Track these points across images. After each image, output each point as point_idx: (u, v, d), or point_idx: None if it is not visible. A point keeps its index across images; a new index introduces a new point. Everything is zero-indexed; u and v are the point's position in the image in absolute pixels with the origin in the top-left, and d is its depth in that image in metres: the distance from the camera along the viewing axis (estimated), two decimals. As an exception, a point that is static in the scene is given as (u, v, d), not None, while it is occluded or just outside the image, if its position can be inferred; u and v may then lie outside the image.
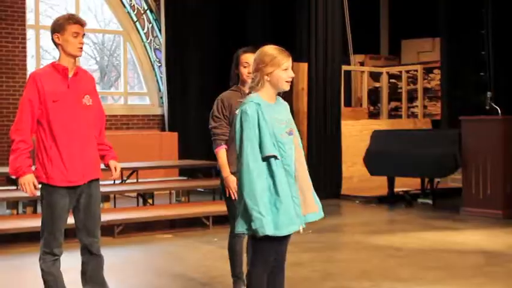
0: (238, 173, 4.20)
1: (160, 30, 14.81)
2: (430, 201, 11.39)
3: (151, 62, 15.17)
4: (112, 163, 5.02)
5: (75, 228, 4.93)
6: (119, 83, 15.98)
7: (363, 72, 14.82)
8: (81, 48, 4.86)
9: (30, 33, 13.81)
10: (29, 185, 4.69)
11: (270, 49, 4.27)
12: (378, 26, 15.95)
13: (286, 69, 4.22)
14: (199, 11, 14.27)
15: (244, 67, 5.33)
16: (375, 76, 15.11)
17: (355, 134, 13.06)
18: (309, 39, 12.28)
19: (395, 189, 11.70)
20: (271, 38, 13.69)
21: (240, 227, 4.13)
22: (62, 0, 15.03)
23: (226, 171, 5.20)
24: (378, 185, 11.92)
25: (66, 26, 4.81)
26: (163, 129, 14.66)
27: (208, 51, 14.41)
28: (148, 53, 15.18)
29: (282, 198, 4.12)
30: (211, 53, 14.39)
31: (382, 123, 13.64)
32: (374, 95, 14.96)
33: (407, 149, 11.06)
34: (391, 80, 15.12)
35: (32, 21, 13.92)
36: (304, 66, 12.72)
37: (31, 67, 13.82)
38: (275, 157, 4.14)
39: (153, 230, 8.93)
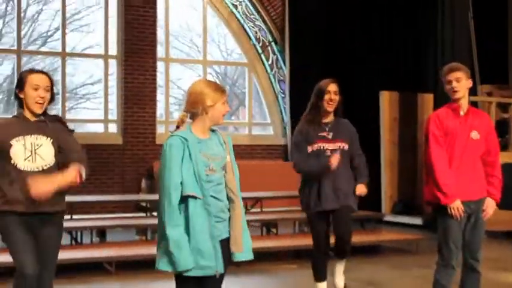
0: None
1: (284, 62, 15.03)
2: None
3: (275, 92, 15.38)
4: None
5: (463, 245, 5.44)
6: (239, 112, 16.24)
7: (490, 102, 14.48)
8: (455, 91, 5.41)
9: (160, 66, 14.30)
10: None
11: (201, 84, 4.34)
12: (506, 55, 15.58)
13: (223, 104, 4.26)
14: (323, 42, 14.38)
15: (35, 89, 4.50)
16: (503, 107, 14.73)
17: (482, 166, 12.75)
18: (435, 70, 12.15)
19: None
20: (395, 69, 13.83)
21: None
22: (188, 33, 15.48)
23: None
24: (506, 219, 11.59)
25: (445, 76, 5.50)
26: (286, 159, 14.79)
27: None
28: (272, 84, 15.40)
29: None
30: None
31: (509, 156, 13.27)
32: (502, 126, 14.56)
33: (538, 183, 10.75)
34: (519, 111, 14.71)
35: (161, 54, 14.42)
36: (429, 97, 12.61)
37: (160, 98, 14.30)
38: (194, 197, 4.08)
39: (278, 260, 8.99)
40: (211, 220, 4.12)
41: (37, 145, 4.44)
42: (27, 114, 4.53)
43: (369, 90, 13.74)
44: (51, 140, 4.49)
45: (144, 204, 11.56)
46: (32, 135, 4.45)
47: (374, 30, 14.41)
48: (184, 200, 4.05)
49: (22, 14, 13.64)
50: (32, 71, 4.61)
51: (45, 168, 4.45)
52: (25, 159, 4.40)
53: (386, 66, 14.00)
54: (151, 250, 8.65)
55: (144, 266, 8.31)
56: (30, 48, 14.27)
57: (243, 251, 4.36)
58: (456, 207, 5.28)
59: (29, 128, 4.47)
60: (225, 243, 4.23)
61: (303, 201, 6.08)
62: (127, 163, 13.66)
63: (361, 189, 5.94)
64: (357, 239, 10.05)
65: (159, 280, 7.48)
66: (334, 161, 5.66)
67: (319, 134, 5.88)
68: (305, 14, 14.48)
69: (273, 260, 8.91)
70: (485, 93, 14.51)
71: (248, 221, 10.36)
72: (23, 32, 13.82)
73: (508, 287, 7.64)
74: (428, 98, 13.01)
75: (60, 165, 4.52)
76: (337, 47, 14.22)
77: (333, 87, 5.90)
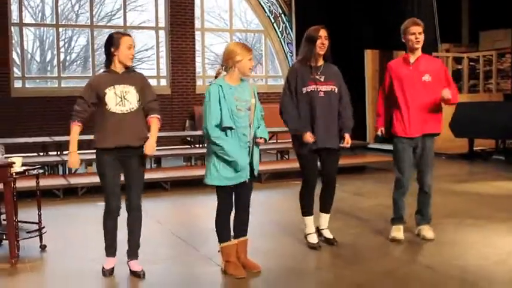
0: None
1: (291, 29, 14.86)
2: (503, 158, 10.97)
3: (284, 52, 15.26)
4: None
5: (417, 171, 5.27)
6: (257, 68, 16.12)
7: (448, 57, 14.30)
8: (418, 41, 5.08)
9: (197, 34, 14.17)
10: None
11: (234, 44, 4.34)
12: (460, 20, 15.29)
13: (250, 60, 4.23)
14: (322, 12, 14.14)
15: (129, 48, 4.30)
16: (458, 60, 14.54)
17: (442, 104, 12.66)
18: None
19: (474, 148, 11.35)
20: (375, 29, 13.60)
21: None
22: (216, 8, 15.28)
23: (72, 146, 4.29)
24: (460, 144, 11.57)
25: (407, 28, 5.13)
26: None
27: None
28: (282, 46, 15.27)
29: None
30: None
31: (464, 97, 13.13)
32: (457, 75, 14.41)
33: (484, 117, 10.69)
34: (470, 63, 14.51)
35: (198, 26, 14.29)
36: (402, 53, 12.42)
37: (198, 59, 14.23)
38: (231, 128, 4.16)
39: (288, 177, 9.02)
40: (242, 146, 4.19)
41: (125, 92, 4.26)
42: (116, 68, 4.31)
43: (357, 49, 13.55)
44: (135, 88, 4.31)
45: (188, 138, 11.63)
46: (121, 85, 4.27)
47: (365, 2, 14.09)
48: (223, 130, 4.16)
49: (92, -2, 13.52)
50: (124, 34, 4.38)
51: (132, 110, 4.28)
52: (116, 104, 4.23)
53: (372, 31, 13.75)
54: (195, 172, 8.82)
55: (190, 183, 8.43)
56: (100, 24, 14.15)
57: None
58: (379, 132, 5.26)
59: (118, 79, 4.28)
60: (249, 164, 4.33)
61: (297, 142, 5.00)
62: (174, 108, 13.68)
63: (348, 140, 4.95)
64: (348, 161, 10.11)
65: (201, 194, 7.60)
66: (310, 138, 4.83)
67: (312, 76, 4.92)
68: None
69: (285, 178, 8.99)
70: (444, 50, 14.32)
71: (266, 150, 10.43)
72: (94, 12, 13.71)
73: (461, 194, 7.66)
74: (401, 54, 12.82)
75: (145, 107, 4.37)
76: (333, 17, 13.96)
77: (323, 32, 4.93)
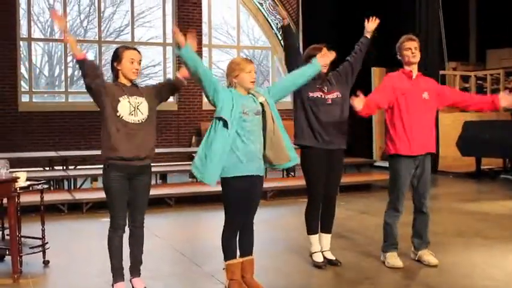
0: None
1: (299, 46, 14.89)
2: (510, 177, 10.89)
3: (291, 69, 15.28)
4: None
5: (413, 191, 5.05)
6: (264, 85, 16.14)
7: (455, 75, 14.27)
8: (414, 56, 5.01)
9: (204, 51, 14.16)
10: None
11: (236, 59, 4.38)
12: (467, 38, 15.27)
13: (249, 72, 4.22)
14: (326, 31, 14.20)
15: (131, 62, 4.22)
16: (465, 78, 14.50)
17: (449, 123, 12.60)
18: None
19: (482, 167, 11.27)
20: (382, 47, 13.60)
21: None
22: (224, 25, 15.35)
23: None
24: (467, 163, 11.49)
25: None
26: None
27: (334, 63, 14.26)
28: (289, 63, 15.29)
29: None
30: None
31: (471, 115, 13.09)
32: (464, 93, 14.36)
33: (492, 135, 10.64)
34: (478, 82, 14.46)
35: (205, 42, 14.30)
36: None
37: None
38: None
39: (295, 195, 8.90)
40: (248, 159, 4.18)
41: (138, 103, 4.19)
42: (123, 81, 4.24)
43: (364, 67, 13.52)
44: (146, 99, 4.25)
45: (194, 154, 11.57)
46: (133, 96, 4.20)
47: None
48: (219, 119, 4.13)
49: (101, 14, 13.61)
50: (128, 47, 4.30)
51: (143, 121, 4.20)
52: (129, 113, 4.14)
53: (378, 48, 13.74)
54: (200, 189, 8.77)
55: (195, 200, 8.38)
56: (108, 39, 14.22)
57: (291, 160, 4.32)
58: None
59: (129, 90, 4.22)
60: (259, 181, 4.29)
61: (302, 140, 4.98)
62: (181, 124, 13.68)
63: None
64: (354, 179, 10.06)
65: (205, 211, 7.54)
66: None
67: (319, 86, 4.97)
68: (314, 10, 14.28)
69: (291, 196, 8.92)
70: (451, 68, 14.30)
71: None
72: (102, 28, 13.79)
73: (468, 213, 7.59)
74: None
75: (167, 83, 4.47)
76: (341, 35, 13.98)
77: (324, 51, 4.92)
